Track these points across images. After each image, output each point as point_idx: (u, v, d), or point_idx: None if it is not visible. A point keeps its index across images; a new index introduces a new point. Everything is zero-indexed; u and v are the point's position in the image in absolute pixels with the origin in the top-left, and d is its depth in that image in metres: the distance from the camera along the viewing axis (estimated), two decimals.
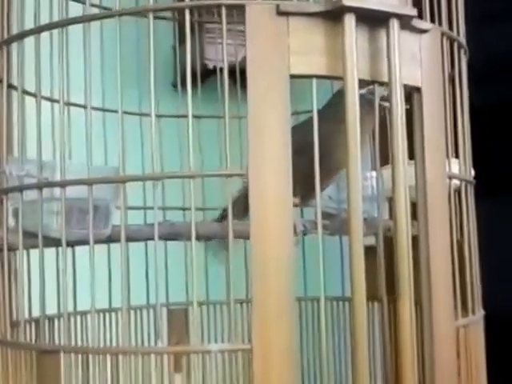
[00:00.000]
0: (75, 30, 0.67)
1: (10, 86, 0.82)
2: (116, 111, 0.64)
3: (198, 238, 0.67)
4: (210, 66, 1.52)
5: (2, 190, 0.69)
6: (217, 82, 1.19)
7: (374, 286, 0.80)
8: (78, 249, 0.77)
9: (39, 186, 0.65)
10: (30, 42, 0.70)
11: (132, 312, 0.86)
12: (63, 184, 0.64)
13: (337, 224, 0.91)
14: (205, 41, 1.65)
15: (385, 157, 0.71)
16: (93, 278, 0.61)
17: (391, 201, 0.86)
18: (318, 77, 0.62)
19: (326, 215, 0.91)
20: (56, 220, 0.67)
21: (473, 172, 0.80)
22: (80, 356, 0.62)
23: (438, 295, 0.68)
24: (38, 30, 0.70)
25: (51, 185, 0.65)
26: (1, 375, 0.68)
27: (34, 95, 0.72)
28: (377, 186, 0.93)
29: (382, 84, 0.66)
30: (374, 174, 0.91)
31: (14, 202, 0.69)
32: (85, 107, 0.66)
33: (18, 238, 0.68)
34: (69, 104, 0.89)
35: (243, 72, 0.63)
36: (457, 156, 0.76)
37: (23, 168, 0.66)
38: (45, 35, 0.69)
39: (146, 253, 0.92)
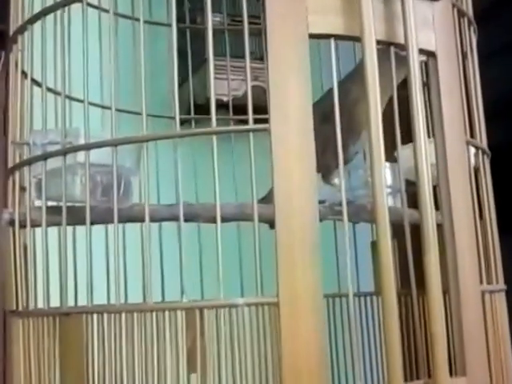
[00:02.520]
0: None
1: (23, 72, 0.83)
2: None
3: (215, 220, 0.67)
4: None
5: (27, 160, 0.70)
6: (221, 115, 1.22)
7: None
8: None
9: (64, 152, 0.66)
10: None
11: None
12: (88, 147, 0.65)
13: (352, 209, 0.91)
14: (208, 76, 1.71)
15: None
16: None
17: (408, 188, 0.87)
18: (336, 37, 0.64)
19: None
20: (80, 188, 0.68)
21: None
22: (102, 316, 0.61)
23: (463, 257, 0.68)
24: (44, 12, 0.72)
25: (76, 149, 0.66)
26: (22, 346, 0.67)
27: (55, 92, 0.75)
28: (392, 175, 0.94)
29: (397, 46, 0.67)
30: (387, 164, 0.91)
31: (37, 174, 0.69)
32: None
33: (40, 213, 0.69)
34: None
35: (243, 108, 0.64)
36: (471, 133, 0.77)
37: (46, 136, 0.67)
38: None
39: (159, 236, 0.92)
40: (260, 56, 1.18)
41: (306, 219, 0.61)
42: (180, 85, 1.55)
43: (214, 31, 0.65)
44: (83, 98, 0.68)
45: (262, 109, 0.67)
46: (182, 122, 1.47)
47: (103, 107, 0.98)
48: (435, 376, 0.61)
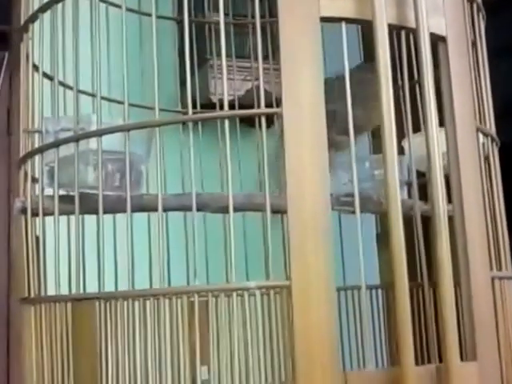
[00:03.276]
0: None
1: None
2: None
3: (224, 211, 0.67)
4: (215, 99, 1.57)
5: (39, 148, 0.70)
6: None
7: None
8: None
9: (76, 138, 0.66)
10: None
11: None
12: (100, 133, 0.65)
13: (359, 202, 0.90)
14: (209, 76, 1.73)
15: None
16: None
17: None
18: (348, 20, 0.64)
19: (347, 193, 0.91)
20: (92, 175, 0.68)
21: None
22: (113, 302, 0.62)
23: (473, 243, 0.68)
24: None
25: (88, 135, 0.66)
26: (34, 333, 0.68)
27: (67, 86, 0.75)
28: (401, 168, 0.94)
29: (409, 30, 0.67)
30: None
31: (49, 162, 0.69)
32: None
33: (52, 202, 0.69)
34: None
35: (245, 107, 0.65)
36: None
37: (59, 123, 0.67)
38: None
39: (166, 225, 0.93)
40: (263, 55, 1.19)
41: (318, 204, 0.61)
42: (182, 84, 1.57)
43: (218, 31, 0.65)
44: (92, 85, 0.69)
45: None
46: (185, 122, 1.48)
47: (112, 101, 0.99)
48: (446, 360, 0.61)
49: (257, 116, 0.63)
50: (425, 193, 0.77)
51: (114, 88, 0.99)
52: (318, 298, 0.59)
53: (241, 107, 1.15)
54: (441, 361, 0.62)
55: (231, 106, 1.15)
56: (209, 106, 1.40)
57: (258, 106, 0.64)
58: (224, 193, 0.78)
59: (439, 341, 0.63)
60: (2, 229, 1.71)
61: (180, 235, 0.92)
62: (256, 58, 0.69)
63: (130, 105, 0.99)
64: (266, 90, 0.89)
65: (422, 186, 0.81)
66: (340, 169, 0.95)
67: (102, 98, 0.96)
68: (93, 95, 0.91)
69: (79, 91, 0.89)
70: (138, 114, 1.01)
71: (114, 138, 0.66)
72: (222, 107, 1.31)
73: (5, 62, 2.03)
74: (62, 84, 0.85)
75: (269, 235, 0.63)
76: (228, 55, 1.24)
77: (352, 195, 0.95)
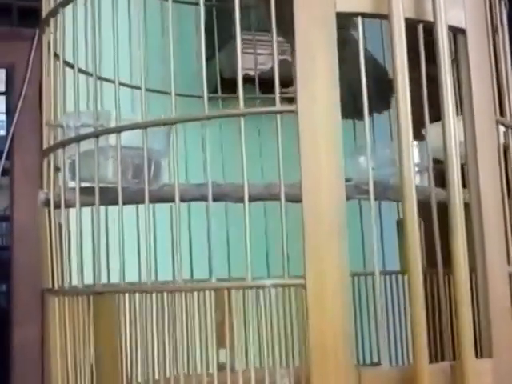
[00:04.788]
0: None
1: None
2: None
3: (242, 200, 0.68)
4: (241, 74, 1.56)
5: (61, 143, 0.71)
6: (248, 91, 1.22)
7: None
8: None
9: (96, 134, 0.67)
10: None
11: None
12: (119, 130, 0.66)
13: (379, 189, 0.90)
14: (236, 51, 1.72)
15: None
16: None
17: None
18: (364, 15, 0.64)
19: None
20: (111, 170, 0.69)
21: None
22: (135, 295, 0.63)
23: (490, 237, 0.67)
24: None
25: (107, 132, 0.67)
26: (58, 323, 0.70)
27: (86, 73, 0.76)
28: (420, 154, 0.93)
29: (427, 23, 0.66)
30: (414, 142, 0.91)
31: (71, 155, 0.71)
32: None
33: (74, 194, 0.70)
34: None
35: (270, 82, 0.65)
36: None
37: (79, 119, 0.69)
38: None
39: (189, 216, 0.94)
40: None
41: (333, 201, 0.62)
42: (208, 59, 1.58)
43: (241, 6, 0.65)
44: (114, 79, 0.70)
45: (290, 83, 0.67)
46: (210, 98, 1.49)
47: (133, 87, 0.99)
48: (461, 357, 0.61)
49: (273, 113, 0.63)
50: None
51: (136, 75, 0.99)
52: (333, 296, 0.60)
53: (267, 81, 1.15)
54: (455, 357, 0.62)
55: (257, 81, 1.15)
56: (234, 80, 1.40)
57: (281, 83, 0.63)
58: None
59: (454, 337, 0.64)
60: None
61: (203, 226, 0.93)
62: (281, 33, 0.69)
63: (152, 91, 1.00)
64: (288, 62, 0.89)
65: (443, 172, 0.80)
66: (362, 155, 0.95)
67: (125, 84, 0.98)
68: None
69: (101, 78, 0.91)
70: (162, 99, 1.02)
71: (134, 133, 0.67)
72: (248, 81, 1.32)
73: (36, 39, 2.05)
74: (82, 71, 0.86)
75: (284, 228, 0.63)
76: (252, 29, 1.24)
77: (373, 183, 0.95)
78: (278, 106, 0.63)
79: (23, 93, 2.00)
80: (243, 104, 0.64)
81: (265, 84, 1.19)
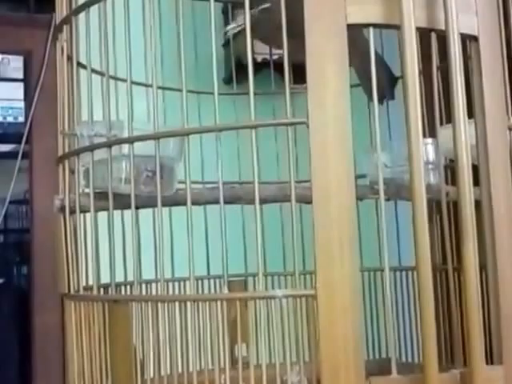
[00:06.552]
0: None
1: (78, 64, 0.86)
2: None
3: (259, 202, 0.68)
4: (259, 59, 1.56)
5: (75, 151, 0.72)
6: (265, 74, 1.22)
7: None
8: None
9: (109, 144, 0.68)
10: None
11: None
12: (131, 140, 0.67)
13: (392, 188, 0.91)
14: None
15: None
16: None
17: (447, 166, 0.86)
18: (375, 25, 0.63)
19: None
20: (124, 179, 0.70)
21: None
22: (148, 305, 0.64)
23: (501, 238, 0.67)
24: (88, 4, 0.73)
25: (120, 142, 0.68)
26: (74, 328, 0.71)
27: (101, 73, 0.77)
28: (435, 151, 0.93)
29: (438, 32, 0.66)
30: (428, 140, 0.91)
31: (85, 163, 0.72)
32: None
33: (89, 200, 0.71)
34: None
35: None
36: None
37: (93, 128, 0.69)
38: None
39: (205, 218, 0.95)
40: None
41: (344, 205, 0.62)
42: (225, 45, 1.57)
43: None
44: (126, 86, 0.70)
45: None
46: (226, 82, 1.50)
47: (147, 86, 1.00)
48: (471, 364, 0.62)
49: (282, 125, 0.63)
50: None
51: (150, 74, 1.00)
52: (344, 306, 0.60)
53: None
54: (465, 363, 0.63)
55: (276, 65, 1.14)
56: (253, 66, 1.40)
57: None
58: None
59: (464, 343, 0.64)
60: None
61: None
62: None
63: (166, 88, 1.00)
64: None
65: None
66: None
67: (138, 83, 0.98)
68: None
69: (114, 78, 0.91)
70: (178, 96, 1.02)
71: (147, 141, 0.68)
72: (264, 65, 1.31)
73: (53, 23, 2.05)
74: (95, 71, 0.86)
75: (295, 233, 0.64)
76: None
77: (387, 182, 0.95)
78: (290, 118, 0.63)
79: (41, 79, 2.01)
80: (254, 114, 0.64)
81: (282, 68, 1.18)
